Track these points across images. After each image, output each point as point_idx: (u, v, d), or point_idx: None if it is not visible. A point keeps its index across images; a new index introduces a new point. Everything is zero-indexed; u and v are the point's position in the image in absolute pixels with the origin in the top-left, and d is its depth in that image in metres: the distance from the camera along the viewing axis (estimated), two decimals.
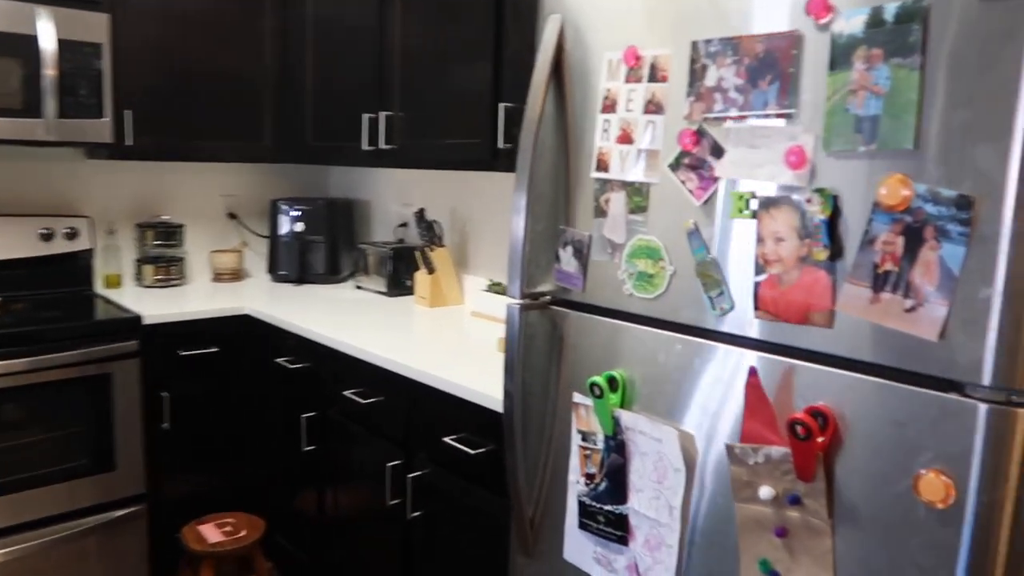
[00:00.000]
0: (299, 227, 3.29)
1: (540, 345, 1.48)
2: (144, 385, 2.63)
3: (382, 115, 2.63)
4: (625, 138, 1.29)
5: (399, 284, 3.06)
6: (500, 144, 2.18)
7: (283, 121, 3.15)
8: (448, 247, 2.90)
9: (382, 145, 2.64)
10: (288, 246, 3.29)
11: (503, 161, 2.23)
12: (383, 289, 3.06)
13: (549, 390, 1.46)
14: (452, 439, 1.92)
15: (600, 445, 1.34)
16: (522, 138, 1.41)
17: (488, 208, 2.84)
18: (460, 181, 2.95)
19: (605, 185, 1.33)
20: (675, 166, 1.23)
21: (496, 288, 2.67)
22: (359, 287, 3.22)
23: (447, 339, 2.33)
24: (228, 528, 2.61)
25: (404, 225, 3.24)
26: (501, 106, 2.20)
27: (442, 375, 1.93)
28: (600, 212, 1.34)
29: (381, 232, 3.41)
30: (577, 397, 1.38)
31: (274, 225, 3.32)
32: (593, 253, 1.36)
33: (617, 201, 1.31)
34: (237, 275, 3.33)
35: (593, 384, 1.31)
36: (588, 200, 1.37)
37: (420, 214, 2.85)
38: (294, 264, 3.27)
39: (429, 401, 2.02)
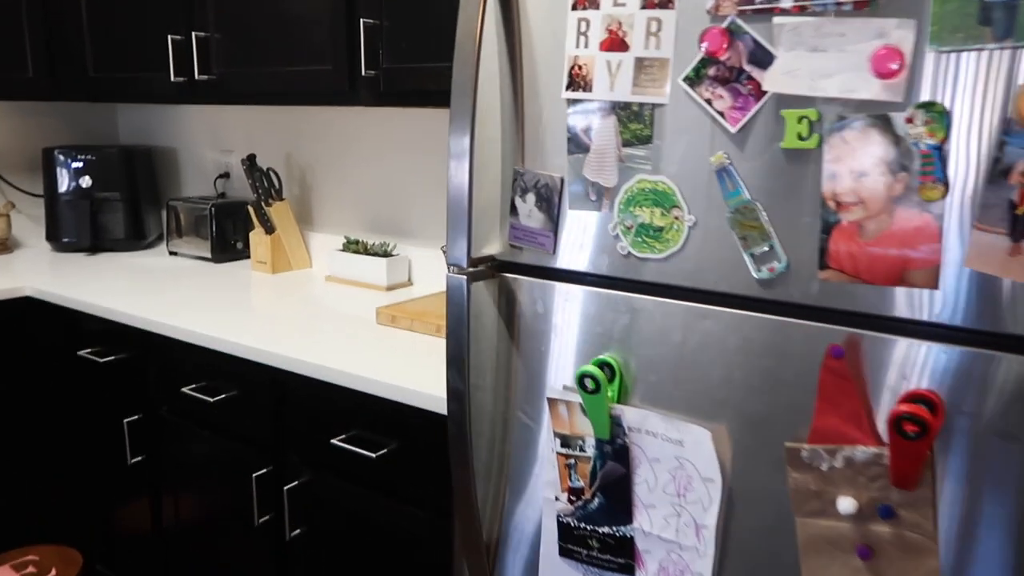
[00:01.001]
0: (86, 182, 2.62)
1: (488, 326, 1.13)
2: None
3: (194, 36, 2.07)
4: (615, 43, 0.95)
5: (227, 247, 2.53)
6: (363, 71, 1.75)
7: (53, 45, 2.45)
8: (288, 201, 2.41)
9: (197, 76, 2.09)
10: (72, 206, 2.61)
11: (365, 91, 1.80)
12: (206, 254, 2.51)
13: (503, 384, 1.12)
14: (341, 440, 1.52)
15: (590, 452, 1.03)
16: (458, 49, 1.03)
17: (334, 151, 2.38)
18: (296, 120, 2.45)
19: (584, 109, 0.99)
20: (695, 80, 0.91)
21: (354, 247, 2.25)
22: (174, 253, 2.64)
23: (308, 312, 1.89)
24: (31, 569, 2.03)
25: (226, 176, 2.68)
26: (362, 22, 1.76)
27: (317, 360, 1.52)
28: (578, 146, 1.00)
29: (195, 186, 2.82)
30: (553, 392, 1.05)
31: (50, 181, 2.62)
32: (568, 201, 1.02)
33: (605, 130, 0.97)
34: (4, 246, 2.61)
35: (585, 375, 0.99)
36: (556, 131, 1.02)
37: (251, 162, 2.33)
38: (83, 228, 2.61)
39: (303, 394, 1.60)
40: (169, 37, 2.12)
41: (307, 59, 1.88)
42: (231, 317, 1.83)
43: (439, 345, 1.63)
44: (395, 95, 1.75)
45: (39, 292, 2.13)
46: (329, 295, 2.09)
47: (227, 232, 2.52)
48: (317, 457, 1.60)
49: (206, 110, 2.72)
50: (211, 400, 1.73)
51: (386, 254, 2.20)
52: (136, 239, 2.70)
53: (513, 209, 1.07)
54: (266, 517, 1.70)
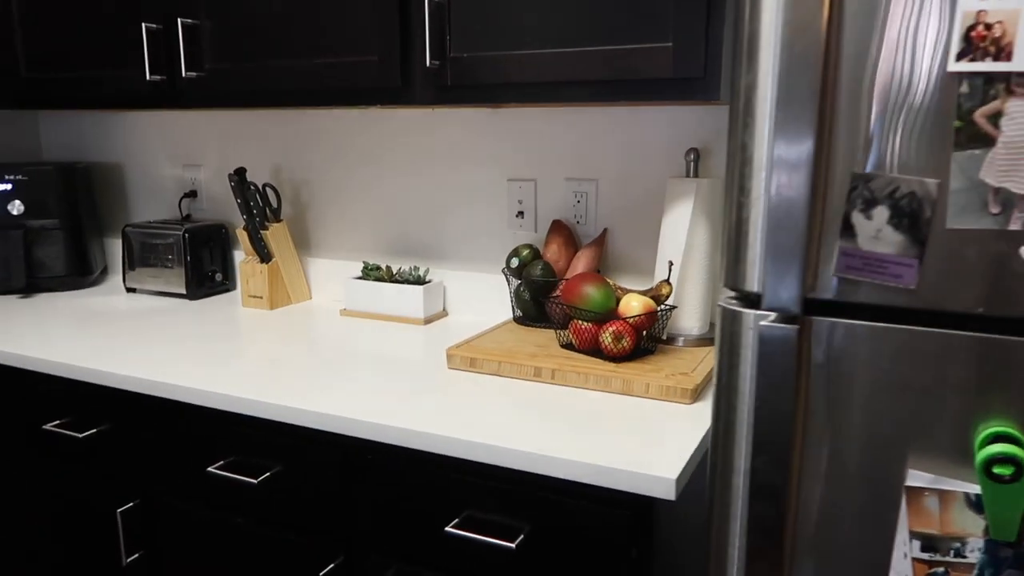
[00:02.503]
0: (16, 208, 2.14)
1: (790, 387, 0.84)
2: None
3: (180, 24, 1.68)
4: None
5: (204, 280, 2.12)
6: (427, 61, 1.43)
7: None
8: (285, 223, 2.03)
9: (184, 73, 1.70)
10: (1, 238, 2.13)
11: (425, 88, 1.48)
12: (179, 290, 2.09)
13: (820, 470, 0.84)
14: (455, 527, 1.20)
15: (972, 557, 0.76)
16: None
17: (335, 161, 2.02)
18: (281, 125, 2.08)
19: (984, 85, 0.73)
20: None
21: (375, 273, 1.91)
22: (132, 289, 2.19)
23: (346, 358, 1.54)
24: None
25: (192, 195, 2.26)
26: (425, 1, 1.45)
27: (407, 423, 1.19)
28: (973, 139, 0.74)
29: (147, 208, 2.38)
30: (918, 480, 0.78)
31: None
32: (949, 215, 0.75)
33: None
34: None
35: (996, 459, 0.72)
36: (928, 118, 0.75)
37: (240, 177, 1.94)
38: (16, 265, 2.12)
39: (389, 468, 1.26)
40: (144, 26, 1.71)
41: (343, 49, 1.54)
42: (248, 369, 1.46)
43: (548, 395, 1.33)
44: (468, 90, 1.44)
45: None
46: (357, 334, 1.74)
47: (203, 262, 2.11)
48: (413, 548, 1.26)
49: (154, 117, 2.29)
50: (255, 482, 1.35)
51: (419, 280, 1.86)
52: (80, 275, 2.23)
53: (847, 229, 0.79)
54: None
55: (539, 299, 1.65)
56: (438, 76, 1.45)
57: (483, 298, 1.87)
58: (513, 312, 1.72)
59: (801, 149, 0.79)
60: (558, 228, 1.72)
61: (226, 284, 2.17)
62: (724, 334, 0.86)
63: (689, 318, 1.54)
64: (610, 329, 1.39)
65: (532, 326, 1.66)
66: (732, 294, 0.88)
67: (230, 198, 2.20)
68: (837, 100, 0.78)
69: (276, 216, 2.02)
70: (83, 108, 1.93)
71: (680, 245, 1.51)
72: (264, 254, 1.98)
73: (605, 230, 1.71)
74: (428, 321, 1.83)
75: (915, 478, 0.78)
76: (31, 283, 2.15)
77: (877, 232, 0.77)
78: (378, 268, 1.92)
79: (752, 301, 0.85)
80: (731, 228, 0.85)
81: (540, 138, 1.76)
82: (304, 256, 2.11)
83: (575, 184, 1.74)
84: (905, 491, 0.79)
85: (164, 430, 1.48)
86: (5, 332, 1.75)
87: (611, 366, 1.37)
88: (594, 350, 1.44)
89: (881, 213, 0.77)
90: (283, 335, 1.73)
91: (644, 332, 1.43)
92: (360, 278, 1.92)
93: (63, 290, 2.21)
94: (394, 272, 1.93)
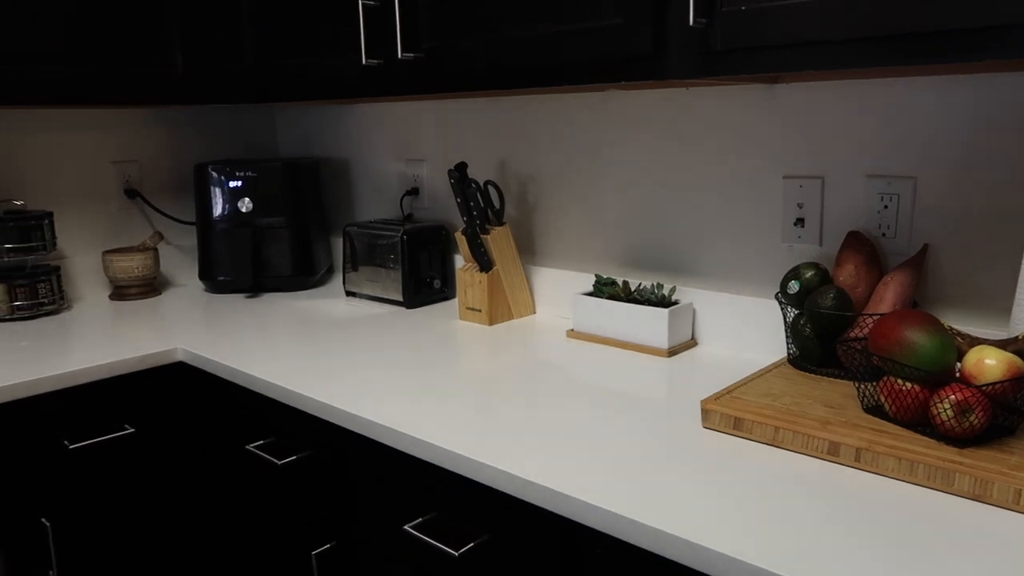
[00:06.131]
0: (245, 205, 2.09)
1: None
2: (3, 514, 1.44)
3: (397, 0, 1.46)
4: None
5: (421, 286, 1.92)
6: (690, 19, 1.07)
7: (202, 31, 1.92)
8: (508, 226, 1.77)
9: (401, 54, 1.48)
10: (230, 236, 2.08)
11: (682, 56, 1.13)
12: (396, 296, 1.92)
13: None
14: None
15: None
16: None
17: (570, 155, 1.72)
18: (506, 113, 1.81)
19: None
20: None
21: (610, 289, 1.58)
22: (352, 293, 2.06)
23: (575, 403, 1.22)
24: None
25: (413, 193, 2.09)
26: None
27: (655, 519, 0.84)
28: None
29: (370, 206, 2.24)
30: None
31: (203, 205, 2.10)
32: None
33: None
34: (151, 287, 2.11)
35: None
36: None
37: (460, 174, 1.70)
38: (243, 264, 2.07)
39: (607, 565, 0.93)
40: (360, 3, 1.52)
41: (578, 11, 1.22)
42: (458, 409, 1.19)
43: (852, 487, 0.92)
44: (745, 55, 1.06)
45: (193, 355, 1.58)
46: (585, 363, 1.43)
47: (421, 267, 1.91)
48: None
49: (379, 108, 2.13)
50: (455, 554, 1.09)
51: (664, 301, 1.51)
52: (304, 275, 2.14)
53: None
54: None
55: (827, 337, 1.23)
56: (704, 38, 1.09)
57: (742, 327, 1.47)
58: (788, 351, 1.31)
59: None
60: (855, 242, 1.28)
61: (444, 292, 1.96)
62: None
63: None
64: (950, 397, 0.95)
65: (814, 372, 1.25)
66: None
67: (451, 197, 1.99)
68: None
69: (499, 218, 1.76)
70: (301, 100, 1.80)
71: None
72: (484, 261, 1.73)
73: (926, 247, 1.25)
74: (672, 352, 1.48)
75: None
76: (257, 282, 2.09)
77: None
78: (613, 283, 1.59)
79: None
80: None
81: (830, 121, 1.33)
82: (528, 264, 1.84)
83: (880, 183, 1.29)
84: None
85: (364, 468, 1.27)
86: (222, 336, 1.66)
87: (951, 452, 0.94)
88: (919, 422, 1.01)
89: None
90: (501, 362, 1.46)
91: (1002, 404, 0.97)
92: (591, 294, 1.60)
93: (287, 290, 2.13)
94: (632, 289, 1.59)
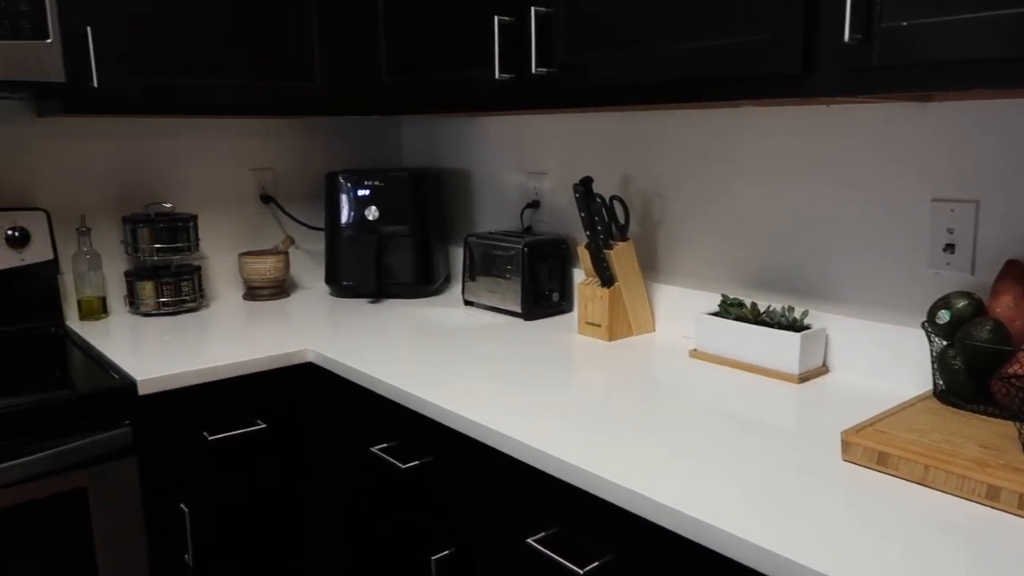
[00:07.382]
0: (372, 213, 2.16)
1: None
2: (147, 497, 1.53)
3: (533, 12, 1.48)
4: None
5: (540, 299, 1.93)
6: (846, 35, 1.03)
7: (341, 47, 2.00)
8: (631, 241, 1.76)
9: (535, 69, 1.49)
10: (356, 243, 2.16)
11: (832, 72, 1.09)
12: (515, 307, 1.93)
13: None
14: None
15: None
16: None
17: (698, 171, 1.69)
18: (634, 128, 1.80)
19: None
20: None
21: (737, 310, 1.54)
22: (470, 303, 2.09)
23: (704, 427, 1.19)
24: None
25: (533, 205, 2.10)
26: None
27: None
28: None
29: (491, 217, 2.27)
30: None
31: (333, 212, 2.19)
32: None
33: None
34: (280, 289, 2.21)
35: None
36: None
37: (586, 188, 1.70)
38: (367, 270, 2.14)
39: None
40: (496, 19, 1.54)
41: (720, 27, 1.20)
42: (578, 418, 1.18)
43: (1015, 537, 0.86)
44: (902, 72, 1.01)
45: (322, 357, 1.64)
46: (710, 385, 1.39)
47: (540, 279, 1.92)
48: None
49: (504, 121, 2.16)
50: (581, 572, 1.08)
51: (795, 325, 1.46)
52: (424, 283, 2.19)
53: None
54: None
55: (979, 372, 1.16)
56: (858, 54, 1.04)
57: (879, 356, 1.40)
58: (934, 384, 1.24)
59: None
60: (1015, 272, 1.20)
61: (562, 305, 1.96)
62: None
63: None
64: None
65: (963, 408, 1.17)
66: None
67: (573, 211, 1.99)
68: None
69: (622, 234, 1.75)
70: (432, 112, 1.84)
71: None
72: (606, 276, 1.72)
73: None
74: (804, 379, 1.42)
75: None
76: (380, 289, 2.15)
77: None
78: (740, 304, 1.55)
79: None
80: None
81: (987, 143, 1.26)
82: (650, 280, 1.81)
83: None
84: None
85: (488, 478, 1.28)
86: (347, 340, 1.71)
87: None
88: None
89: None
90: (621, 377, 1.44)
91: None
92: (716, 314, 1.57)
93: (407, 297, 2.19)
94: (761, 311, 1.55)
